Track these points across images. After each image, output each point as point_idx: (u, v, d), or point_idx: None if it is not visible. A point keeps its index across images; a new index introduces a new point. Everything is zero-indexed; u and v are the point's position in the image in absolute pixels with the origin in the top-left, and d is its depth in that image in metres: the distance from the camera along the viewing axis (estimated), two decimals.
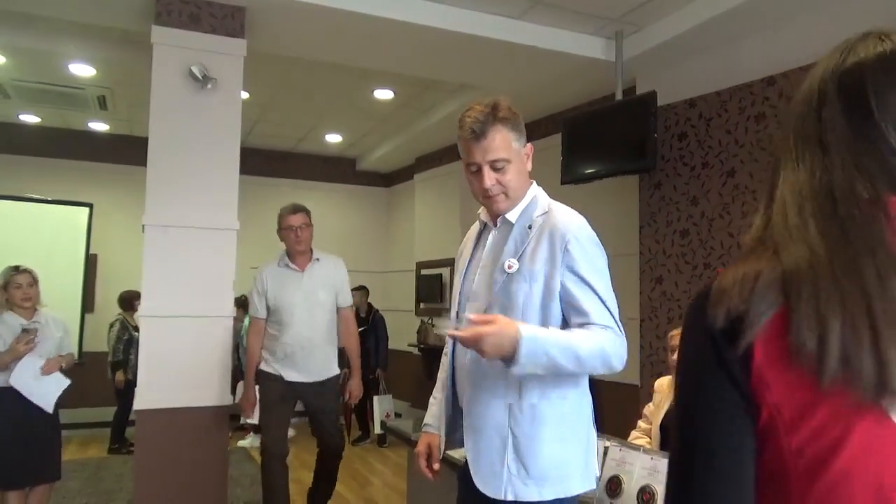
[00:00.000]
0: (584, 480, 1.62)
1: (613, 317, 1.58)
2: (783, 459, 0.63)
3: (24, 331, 3.40)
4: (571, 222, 1.63)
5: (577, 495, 1.61)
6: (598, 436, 1.76)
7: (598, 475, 1.76)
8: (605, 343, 1.52)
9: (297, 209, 3.51)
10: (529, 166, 1.73)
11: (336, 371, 3.64)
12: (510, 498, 1.56)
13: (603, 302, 1.57)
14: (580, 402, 1.65)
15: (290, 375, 3.48)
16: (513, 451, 1.58)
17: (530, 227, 1.66)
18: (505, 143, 1.64)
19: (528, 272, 1.60)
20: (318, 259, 3.58)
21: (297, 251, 3.51)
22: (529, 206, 1.70)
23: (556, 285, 1.58)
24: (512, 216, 1.69)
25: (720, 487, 0.65)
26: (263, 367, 3.54)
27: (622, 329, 1.58)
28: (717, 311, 0.66)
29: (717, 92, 3.99)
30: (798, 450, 0.62)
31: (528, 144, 1.73)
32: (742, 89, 3.85)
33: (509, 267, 1.62)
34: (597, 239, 1.65)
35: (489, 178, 1.64)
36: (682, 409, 0.71)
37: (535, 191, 1.75)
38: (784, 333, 0.62)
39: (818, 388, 0.60)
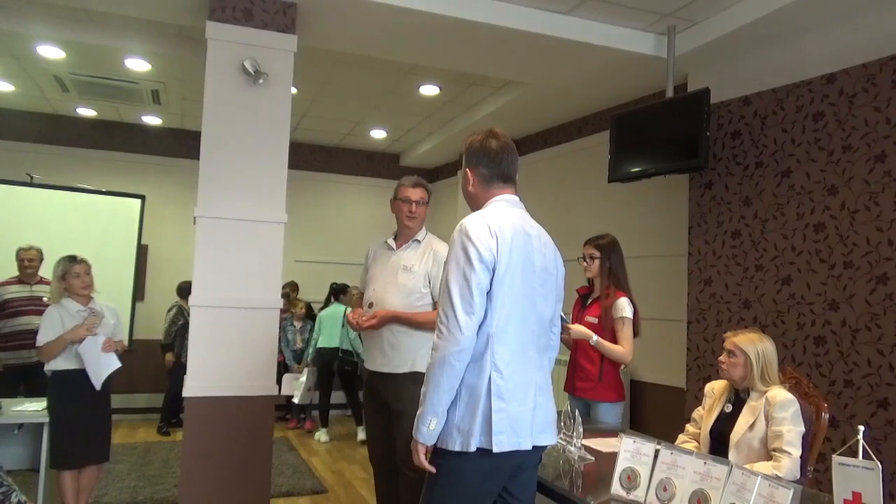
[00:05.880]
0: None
1: None
2: None
3: (92, 313, 3.53)
4: None
5: None
6: (643, 437, 1.72)
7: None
8: None
9: (419, 183, 3.17)
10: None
11: (420, 369, 2.85)
12: None
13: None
14: None
15: (367, 361, 3.17)
16: None
17: None
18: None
19: None
20: (417, 241, 3.12)
21: (405, 226, 3.12)
22: None
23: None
24: None
25: None
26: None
27: None
28: None
29: (774, 89, 3.88)
30: None
31: None
32: (800, 87, 3.73)
33: None
34: None
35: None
36: None
37: None
38: None
39: None
